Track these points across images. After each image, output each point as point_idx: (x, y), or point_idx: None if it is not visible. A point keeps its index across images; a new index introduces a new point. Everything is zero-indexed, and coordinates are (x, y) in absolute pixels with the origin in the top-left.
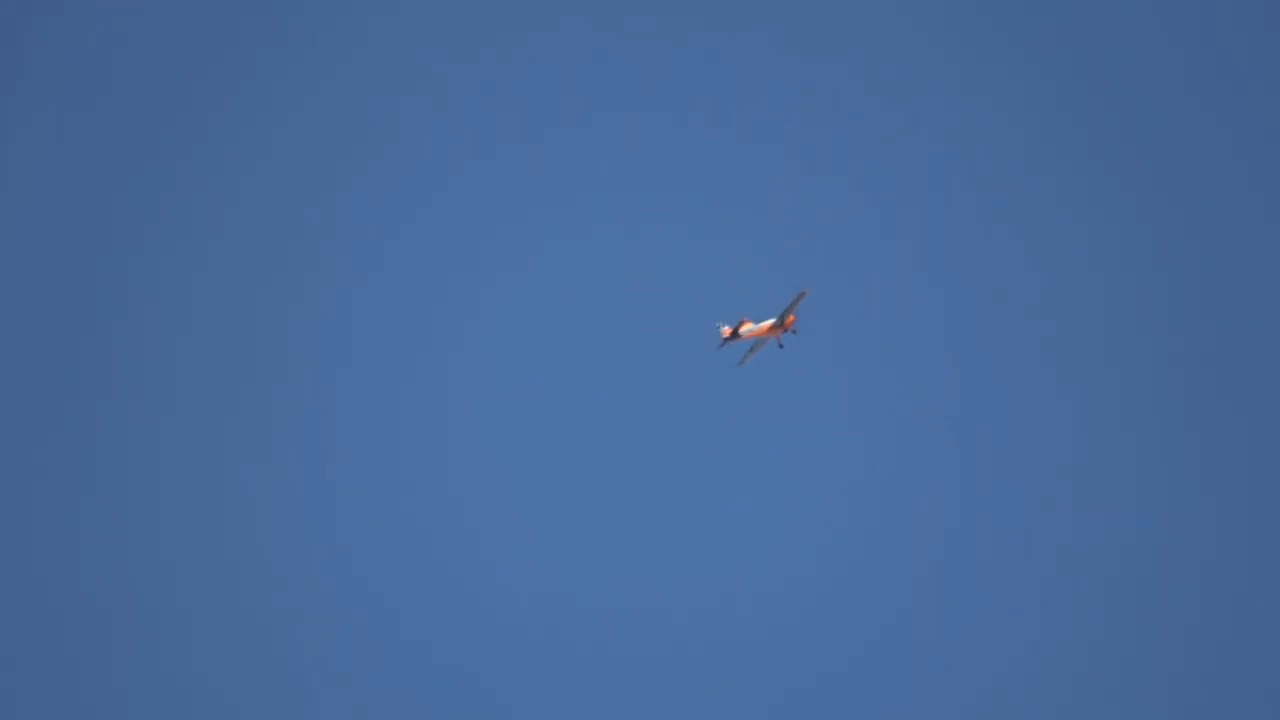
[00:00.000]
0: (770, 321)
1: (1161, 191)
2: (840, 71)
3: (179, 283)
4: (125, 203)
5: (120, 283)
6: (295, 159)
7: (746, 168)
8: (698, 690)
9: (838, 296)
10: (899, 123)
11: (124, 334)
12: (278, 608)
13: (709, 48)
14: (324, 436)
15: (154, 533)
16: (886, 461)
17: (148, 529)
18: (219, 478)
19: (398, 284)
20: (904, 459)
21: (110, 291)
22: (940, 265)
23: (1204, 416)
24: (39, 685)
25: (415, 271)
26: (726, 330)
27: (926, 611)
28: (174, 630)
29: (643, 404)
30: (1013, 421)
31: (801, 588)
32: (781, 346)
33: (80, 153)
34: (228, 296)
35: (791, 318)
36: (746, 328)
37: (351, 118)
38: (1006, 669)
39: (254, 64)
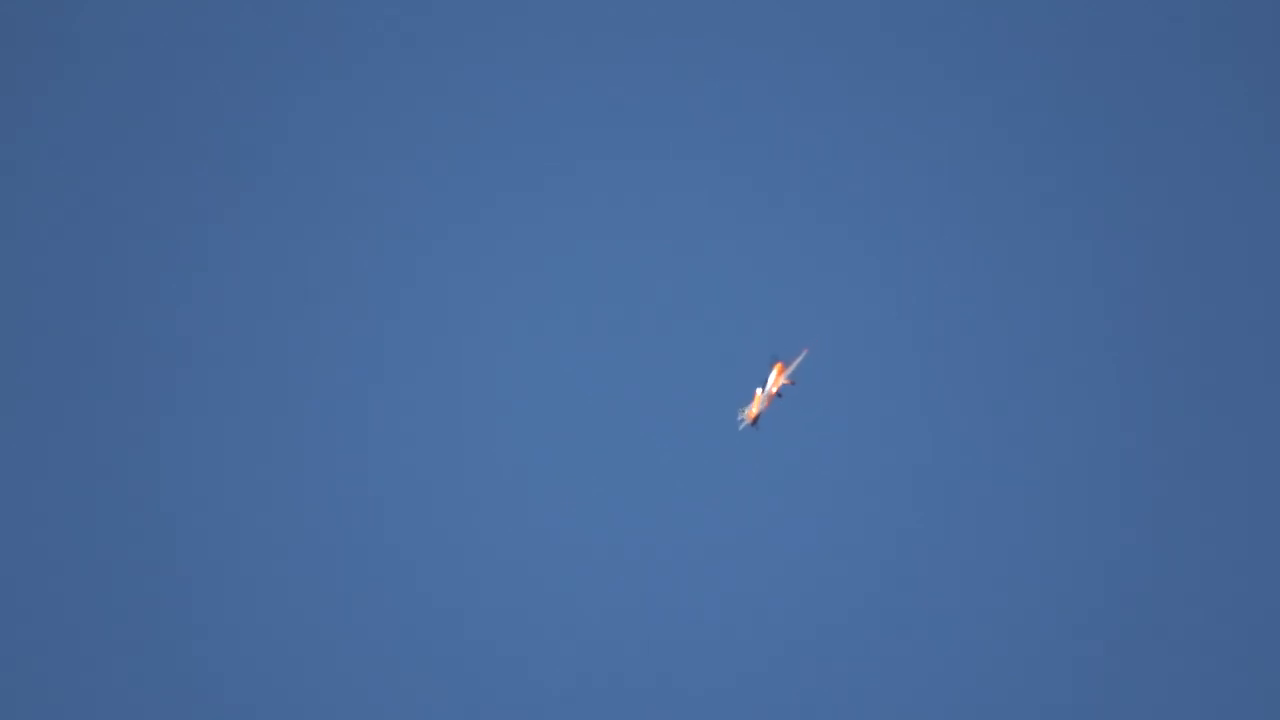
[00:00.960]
0: (773, 378)
1: (1151, 201)
2: (840, 80)
3: (180, 284)
4: (130, 201)
5: (122, 284)
6: (308, 160)
7: (747, 171)
8: (699, 689)
9: (828, 305)
10: (893, 132)
11: (130, 336)
12: (284, 608)
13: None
14: (331, 436)
15: (172, 536)
16: (881, 464)
17: (174, 534)
18: (235, 478)
19: (411, 286)
20: (898, 462)
21: (113, 293)
22: (927, 271)
23: (1193, 423)
24: (68, 688)
25: (430, 274)
26: (750, 414)
27: (922, 612)
28: (198, 631)
29: (646, 405)
30: (1005, 427)
31: (800, 587)
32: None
33: (89, 150)
34: (231, 296)
35: (780, 374)
36: (757, 398)
37: (371, 118)
38: (1002, 669)
39: (263, 66)
